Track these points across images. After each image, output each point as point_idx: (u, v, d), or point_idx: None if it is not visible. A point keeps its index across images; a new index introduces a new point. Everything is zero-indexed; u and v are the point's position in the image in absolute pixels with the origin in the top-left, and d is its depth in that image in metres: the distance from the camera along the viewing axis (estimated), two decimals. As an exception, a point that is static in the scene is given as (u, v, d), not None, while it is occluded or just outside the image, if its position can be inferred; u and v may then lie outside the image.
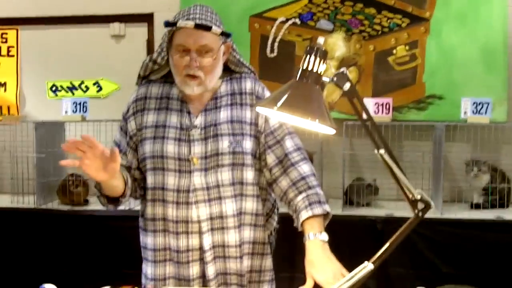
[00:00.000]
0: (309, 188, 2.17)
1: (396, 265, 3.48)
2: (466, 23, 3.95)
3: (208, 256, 2.20)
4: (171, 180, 2.19)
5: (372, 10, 4.02)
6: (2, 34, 4.55)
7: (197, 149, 2.17)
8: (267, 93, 2.27)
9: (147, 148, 2.21)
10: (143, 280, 2.32)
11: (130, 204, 3.77)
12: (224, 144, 2.17)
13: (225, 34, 2.17)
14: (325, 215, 2.16)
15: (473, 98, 3.70)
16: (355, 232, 3.53)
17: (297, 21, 4.07)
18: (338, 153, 3.90)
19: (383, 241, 1.75)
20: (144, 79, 2.34)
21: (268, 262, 2.32)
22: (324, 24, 4.08)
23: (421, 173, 3.88)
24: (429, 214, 3.40)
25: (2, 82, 4.57)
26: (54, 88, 4.52)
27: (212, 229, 2.19)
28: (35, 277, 3.79)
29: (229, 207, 2.19)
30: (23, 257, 3.88)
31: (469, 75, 3.96)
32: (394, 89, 4.02)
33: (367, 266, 1.71)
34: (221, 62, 2.20)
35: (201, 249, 2.21)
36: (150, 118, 2.24)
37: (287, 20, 4.08)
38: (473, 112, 3.67)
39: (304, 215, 2.12)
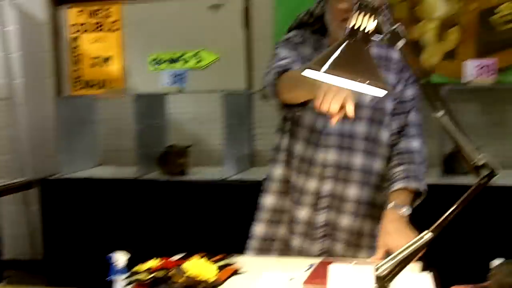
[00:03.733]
0: (412, 162, 2.15)
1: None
2: None
3: (323, 203, 2.20)
4: (308, 117, 2.20)
5: (475, -34, 3.78)
6: (105, 9, 4.68)
7: None
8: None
9: None
10: (251, 242, 2.35)
11: (224, 174, 3.81)
12: (367, 97, 2.15)
13: None
14: (418, 194, 2.13)
15: None
16: (453, 201, 3.36)
17: (394, -19, 3.90)
18: (437, 119, 3.71)
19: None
20: (293, 30, 2.35)
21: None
22: (423, -17, 3.88)
23: (527, 138, 3.64)
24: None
25: (107, 57, 4.72)
26: (156, 61, 4.62)
27: (335, 178, 2.19)
28: (133, 243, 3.93)
29: (359, 161, 2.18)
30: (123, 224, 4.03)
31: None
32: (499, 49, 3.76)
33: (426, 235, 1.61)
34: None
35: (317, 194, 2.20)
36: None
37: (383, -19, 3.92)
38: None
39: (397, 185, 2.11)
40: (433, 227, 1.61)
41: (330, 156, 2.17)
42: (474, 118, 3.73)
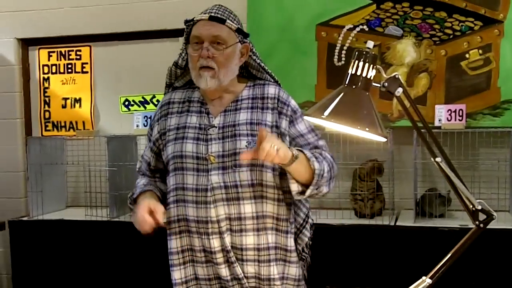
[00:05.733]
0: (320, 154, 2.17)
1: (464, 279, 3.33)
2: (545, 23, 3.75)
3: (231, 256, 2.19)
4: (190, 180, 2.19)
5: (443, 14, 3.88)
6: (76, 51, 4.67)
7: (214, 147, 2.17)
8: (292, 100, 2.25)
9: (169, 150, 2.24)
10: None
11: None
12: (242, 144, 2.15)
13: (243, 34, 2.19)
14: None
15: (551, 102, 3.51)
16: (428, 244, 3.41)
17: (365, 27, 3.99)
18: (410, 162, 3.77)
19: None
20: (170, 87, 2.41)
21: (292, 271, 2.25)
22: (393, 30, 3.97)
23: (497, 181, 3.72)
24: (506, 225, 3.27)
25: (77, 98, 4.69)
26: (126, 103, 4.60)
27: (231, 230, 2.18)
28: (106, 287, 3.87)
29: (248, 208, 2.16)
30: (95, 267, 3.96)
31: (547, 78, 3.75)
32: (468, 94, 3.85)
33: (424, 281, 1.63)
34: (236, 59, 2.21)
35: (224, 250, 2.19)
36: (173, 121, 2.28)
37: (355, 27, 4.01)
38: (551, 116, 3.48)
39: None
40: (431, 273, 1.63)
41: (220, 210, 2.16)
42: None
